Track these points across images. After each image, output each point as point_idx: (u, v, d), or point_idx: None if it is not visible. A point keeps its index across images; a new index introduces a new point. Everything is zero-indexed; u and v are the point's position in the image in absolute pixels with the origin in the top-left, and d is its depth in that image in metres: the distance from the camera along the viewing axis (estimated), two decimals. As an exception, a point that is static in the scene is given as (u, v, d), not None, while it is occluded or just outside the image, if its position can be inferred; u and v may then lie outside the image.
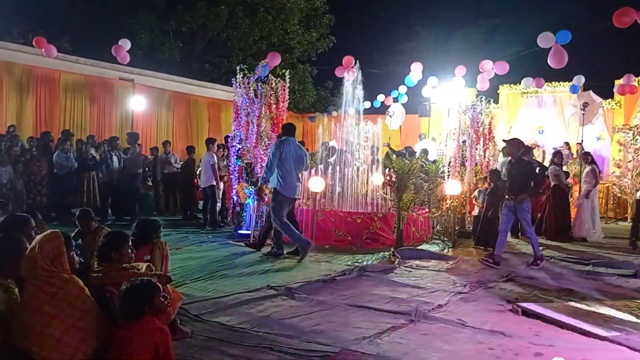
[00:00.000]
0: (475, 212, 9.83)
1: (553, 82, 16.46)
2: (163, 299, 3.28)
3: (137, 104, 15.07)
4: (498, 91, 17.38)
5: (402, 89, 16.82)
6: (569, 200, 10.90)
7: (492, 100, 11.26)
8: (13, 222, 4.24)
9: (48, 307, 3.10)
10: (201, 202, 12.06)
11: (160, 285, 3.32)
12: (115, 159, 11.52)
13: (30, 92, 13.42)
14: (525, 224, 8.02)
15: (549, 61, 11.01)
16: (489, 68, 13.35)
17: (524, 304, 5.48)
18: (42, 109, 13.70)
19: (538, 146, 15.94)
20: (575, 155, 14.44)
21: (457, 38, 26.80)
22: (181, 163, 13.11)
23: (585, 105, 13.76)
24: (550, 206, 10.63)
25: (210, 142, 11.29)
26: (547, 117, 17.00)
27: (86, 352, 3.14)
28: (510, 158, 8.23)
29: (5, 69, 12.87)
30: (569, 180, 12.23)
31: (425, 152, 11.61)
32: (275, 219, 7.88)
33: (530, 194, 7.93)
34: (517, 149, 8.10)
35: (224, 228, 10.86)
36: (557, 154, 11.32)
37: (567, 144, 15.30)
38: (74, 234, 5.17)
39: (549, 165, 11.20)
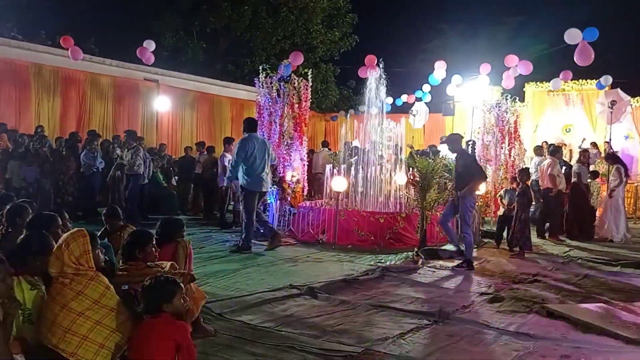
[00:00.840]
0: (500, 212, 9.68)
1: (580, 80, 16.18)
2: (183, 301, 3.30)
3: (162, 104, 15.25)
4: (524, 89, 17.15)
5: (426, 87, 16.71)
6: (588, 200, 10.64)
7: (517, 98, 11.09)
8: (40, 220, 4.31)
9: (74, 305, 3.15)
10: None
11: (182, 286, 3.34)
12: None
13: (58, 93, 13.65)
14: (462, 221, 7.61)
15: (575, 58, 10.83)
16: (514, 63, 13.16)
17: (550, 305, 5.41)
18: (69, 109, 13.93)
19: (565, 145, 15.69)
20: (602, 155, 14.19)
21: (482, 36, 26.46)
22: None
23: (613, 103, 13.50)
24: (570, 205, 10.44)
25: (227, 142, 11.31)
26: (574, 115, 16.73)
27: (111, 349, 3.18)
28: (455, 154, 8.09)
29: (33, 70, 13.12)
30: (598, 180, 12.01)
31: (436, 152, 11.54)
32: (244, 214, 8.21)
33: (470, 186, 7.60)
34: (458, 143, 8.07)
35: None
36: (584, 152, 11.14)
37: (594, 144, 15.03)
38: (100, 232, 5.25)
39: (575, 164, 11.02)
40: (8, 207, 4.90)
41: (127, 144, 11.17)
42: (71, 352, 3.08)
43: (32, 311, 3.30)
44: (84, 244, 3.30)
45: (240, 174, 8.11)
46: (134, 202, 10.73)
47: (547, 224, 10.50)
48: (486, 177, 8.12)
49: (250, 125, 8.43)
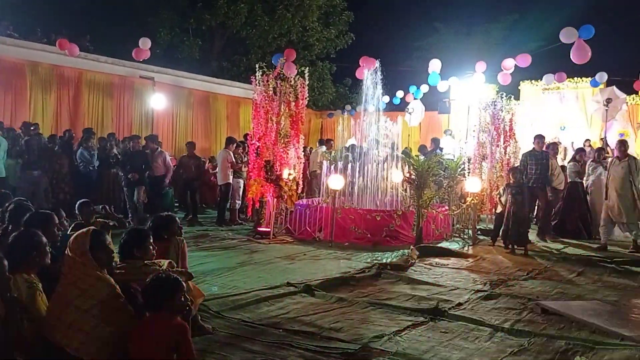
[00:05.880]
0: (498, 209, 9.66)
1: (575, 78, 16.24)
2: (184, 300, 3.31)
3: (157, 102, 15.22)
4: (519, 87, 17.22)
5: (424, 87, 16.76)
6: (587, 198, 10.64)
7: (512, 96, 11.13)
8: (36, 219, 4.32)
9: (78, 302, 3.18)
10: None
11: (184, 284, 3.36)
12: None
13: (53, 90, 13.63)
14: None
15: (571, 57, 10.86)
16: (511, 65, 13.23)
17: (545, 302, 5.45)
18: (64, 107, 13.90)
19: (560, 143, 15.74)
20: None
21: (477, 34, 26.51)
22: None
23: (608, 100, 13.56)
24: (567, 205, 10.41)
25: (230, 141, 11.41)
26: (568, 113, 16.79)
27: (116, 345, 3.21)
28: None
29: (29, 68, 13.09)
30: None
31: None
32: None
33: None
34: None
35: (243, 225, 10.92)
36: (580, 151, 11.17)
37: (588, 140, 15.09)
38: (72, 225, 5.25)
39: (569, 162, 11.01)
40: (12, 205, 4.91)
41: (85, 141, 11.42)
42: (75, 348, 3.11)
43: (32, 309, 3.32)
44: (84, 243, 3.33)
45: None
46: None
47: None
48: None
49: None
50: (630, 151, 15.22)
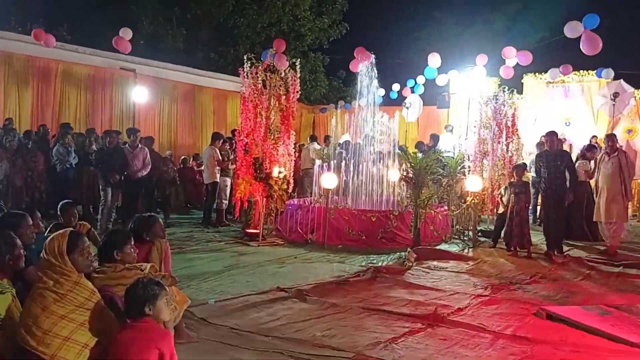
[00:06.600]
0: (500, 210, 9.69)
1: (581, 71, 16.29)
2: (168, 304, 3.30)
3: (139, 95, 15.14)
4: (522, 80, 17.26)
5: (420, 79, 16.78)
6: (594, 199, 10.67)
7: (515, 90, 11.13)
8: (8, 220, 4.28)
9: (56, 308, 3.17)
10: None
11: (167, 289, 3.35)
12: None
13: (28, 83, 13.53)
14: None
15: (582, 48, 10.81)
16: (512, 55, 13.23)
17: (549, 308, 5.48)
18: (40, 100, 13.81)
19: (565, 139, 15.80)
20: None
21: (479, 24, 26.53)
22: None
23: (615, 95, 13.60)
24: (576, 205, 10.42)
25: (216, 137, 11.39)
26: (574, 107, 16.85)
27: (95, 351, 3.20)
28: None
29: (3, 59, 12.99)
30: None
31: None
32: None
33: None
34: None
35: (230, 227, 10.91)
36: (592, 148, 11.19)
37: (595, 137, 15.15)
38: (50, 227, 5.22)
39: (577, 160, 11.02)
40: None
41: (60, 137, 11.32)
42: (52, 354, 3.09)
43: (3, 315, 3.30)
44: (59, 245, 3.30)
45: None
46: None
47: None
48: None
49: None
50: (639, 148, 15.49)
